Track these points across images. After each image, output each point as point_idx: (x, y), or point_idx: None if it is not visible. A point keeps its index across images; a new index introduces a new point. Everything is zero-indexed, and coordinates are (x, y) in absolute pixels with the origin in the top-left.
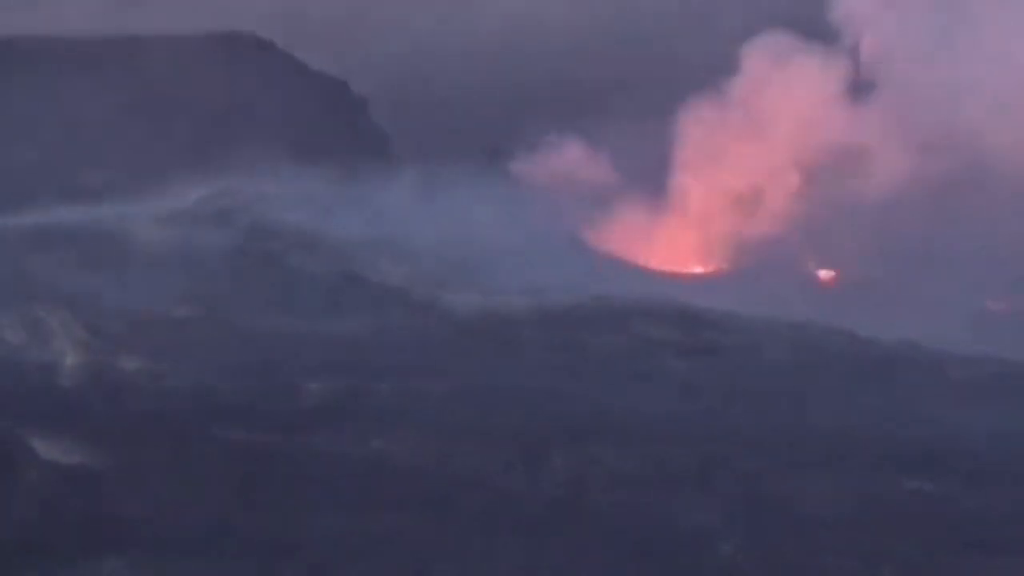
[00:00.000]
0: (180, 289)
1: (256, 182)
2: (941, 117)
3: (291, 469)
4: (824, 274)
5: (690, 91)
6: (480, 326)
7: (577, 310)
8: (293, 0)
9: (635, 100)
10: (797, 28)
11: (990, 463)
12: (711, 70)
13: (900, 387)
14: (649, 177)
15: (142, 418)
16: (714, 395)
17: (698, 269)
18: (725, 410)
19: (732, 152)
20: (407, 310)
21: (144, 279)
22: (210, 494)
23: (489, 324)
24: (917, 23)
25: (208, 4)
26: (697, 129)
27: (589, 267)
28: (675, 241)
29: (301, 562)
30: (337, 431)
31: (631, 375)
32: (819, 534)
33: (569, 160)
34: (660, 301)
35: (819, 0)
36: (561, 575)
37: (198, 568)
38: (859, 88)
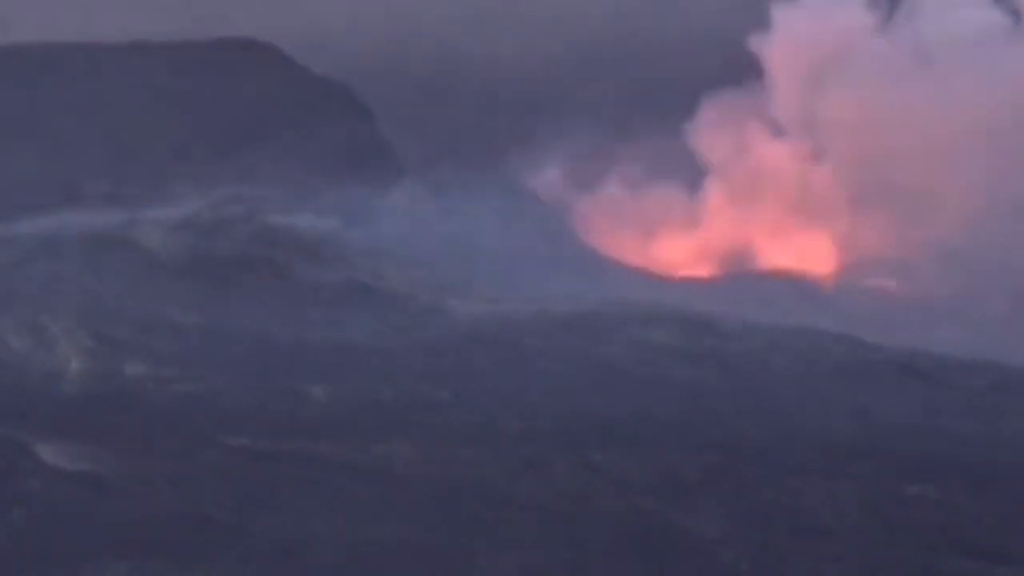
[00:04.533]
0: (185, 295)
1: (260, 189)
2: None
3: (295, 475)
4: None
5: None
6: (484, 332)
7: (581, 316)
8: (298, 6)
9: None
10: None
11: (992, 469)
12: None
13: (903, 393)
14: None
15: (147, 424)
16: (717, 402)
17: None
18: (728, 417)
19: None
20: (411, 316)
21: (149, 285)
22: (215, 500)
23: (493, 330)
24: None
25: (213, 10)
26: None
27: (593, 273)
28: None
29: (305, 567)
30: (341, 437)
31: (634, 382)
32: (821, 541)
33: (574, 166)
34: (664, 307)
35: None
36: None
37: (202, 574)
38: None
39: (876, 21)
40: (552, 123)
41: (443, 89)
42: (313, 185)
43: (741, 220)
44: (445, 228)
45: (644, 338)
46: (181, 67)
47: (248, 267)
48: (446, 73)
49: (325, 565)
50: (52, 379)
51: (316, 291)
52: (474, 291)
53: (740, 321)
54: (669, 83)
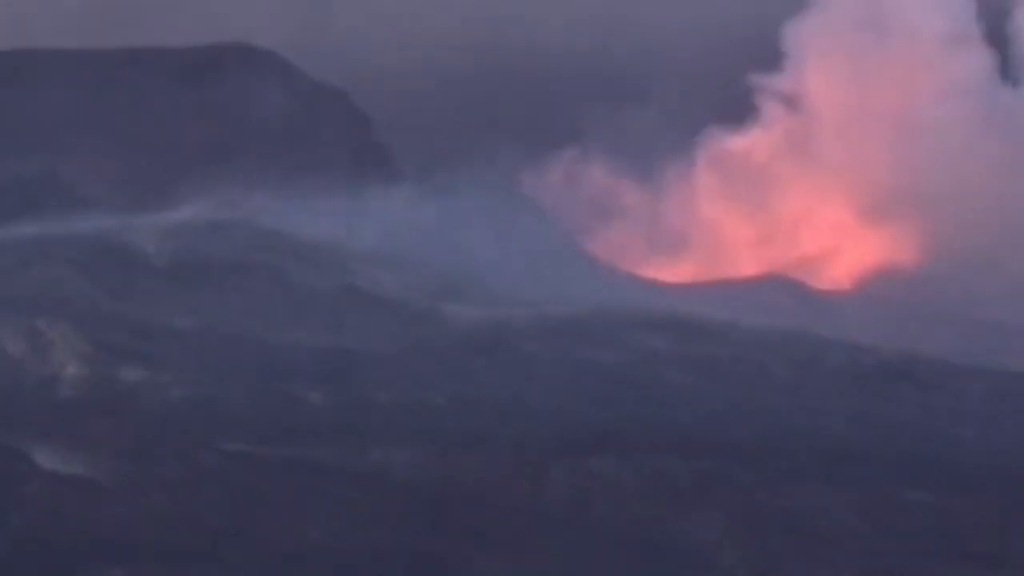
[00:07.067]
0: (181, 300)
1: (257, 194)
2: None
3: (291, 480)
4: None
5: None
6: (479, 338)
7: (576, 322)
8: (295, 11)
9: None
10: None
11: (989, 474)
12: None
13: (899, 398)
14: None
15: (143, 429)
16: (713, 407)
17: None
18: (725, 422)
19: None
20: (408, 321)
21: (146, 290)
22: (210, 505)
23: (488, 336)
24: None
25: (210, 16)
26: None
27: (588, 278)
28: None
29: (302, 573)
30: (337, 442)
31: (630, 386)
32: (818, 546)
33: (569, 171)
34: (659, 312)
35: None
36: None
37: None
38: None
39: None
40: (550, 128)
41: (440, 94)
42: (310, 190)
43: (738, 226)
44: (442, 233)
45: (640, 343)
46: (179, 73)
47: (245, 272)
48: (443, 78)
49: (322, 570)
50: (48, 384)
51: (313, 296)
52: (471, 296)
53: (736, 326)
54: (667, 81)
